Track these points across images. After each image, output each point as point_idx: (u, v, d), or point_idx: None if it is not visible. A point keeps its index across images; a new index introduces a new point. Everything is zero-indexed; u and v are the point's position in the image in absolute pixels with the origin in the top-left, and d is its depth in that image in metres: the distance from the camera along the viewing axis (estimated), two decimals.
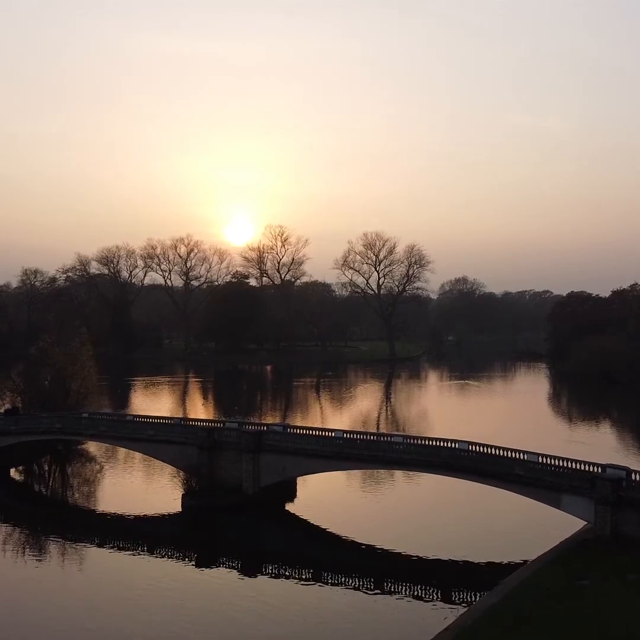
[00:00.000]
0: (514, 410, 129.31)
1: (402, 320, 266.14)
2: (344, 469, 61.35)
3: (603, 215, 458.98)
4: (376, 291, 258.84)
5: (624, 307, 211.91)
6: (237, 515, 60.06)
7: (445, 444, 57.50)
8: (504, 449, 55.13)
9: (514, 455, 54.40)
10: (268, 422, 69.87)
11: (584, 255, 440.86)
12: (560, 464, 51.91)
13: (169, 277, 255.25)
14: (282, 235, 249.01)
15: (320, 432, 62.70)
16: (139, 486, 71.57)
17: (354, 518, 60.89)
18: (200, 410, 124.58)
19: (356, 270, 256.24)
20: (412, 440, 58.89)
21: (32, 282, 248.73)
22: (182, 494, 62.86)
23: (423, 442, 58.51)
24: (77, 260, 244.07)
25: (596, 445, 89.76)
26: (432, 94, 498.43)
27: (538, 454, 53.63)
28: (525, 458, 53.92)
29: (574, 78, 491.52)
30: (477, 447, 56.27)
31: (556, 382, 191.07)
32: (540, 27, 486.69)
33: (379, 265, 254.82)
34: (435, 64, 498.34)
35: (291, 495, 65.49)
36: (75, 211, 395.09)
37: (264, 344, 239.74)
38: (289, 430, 64.44)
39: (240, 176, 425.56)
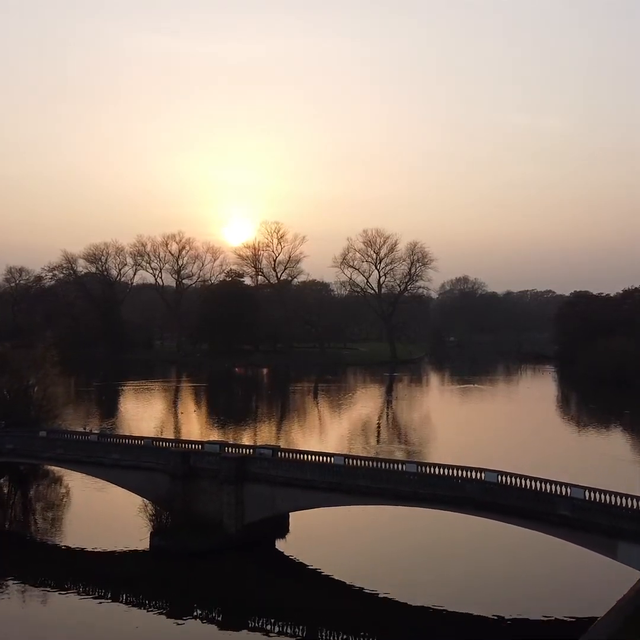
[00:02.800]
0: (530, 420, 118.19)
1: (403, 321, 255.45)
2: (345, 504, 50.65)
3: (604, 215, 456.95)
4: (376, 290, 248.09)
5: (635, 307, 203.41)
6: (216, 558, 49.68)
7: (470, 475, 47.00)
8: (542, 480, 44.73)
9: (556, 490, 43.93)
10: (254, 445, 58.79)
11: (585, 255, 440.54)
12: (618, 502, 41.47)
13: (159, 275, 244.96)
14: (278, 232, 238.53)
15: (317, 458, 52.00)
16: (108, 515, 60.85)
17: (359, 560, 50.64)
18: (186, 421, 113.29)
19: (356, 269, 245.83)
20: (428, 470, 48.24)
21: (18, 281, 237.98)
22: (151, 532, 52.16)
23: (442, 471, 47.91)
24: (63, 258, 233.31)
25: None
26: (432, 93, 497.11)
27: (586, 488, 43.19)
28: (571, 494, 43.44)
29: (575, 77, 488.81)
30: (509, 479, 45.82)
31: (567, 385, 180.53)
32: (540, 27, 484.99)
33: (380, 263, 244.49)
34: (435, 64, 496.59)
35: (282, 530, 54.97)
36: (71, 210, 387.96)
37: (259, 346, 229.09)
38: (279, 454, 53.73)
39: (239, 176, 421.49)
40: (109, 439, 60.01)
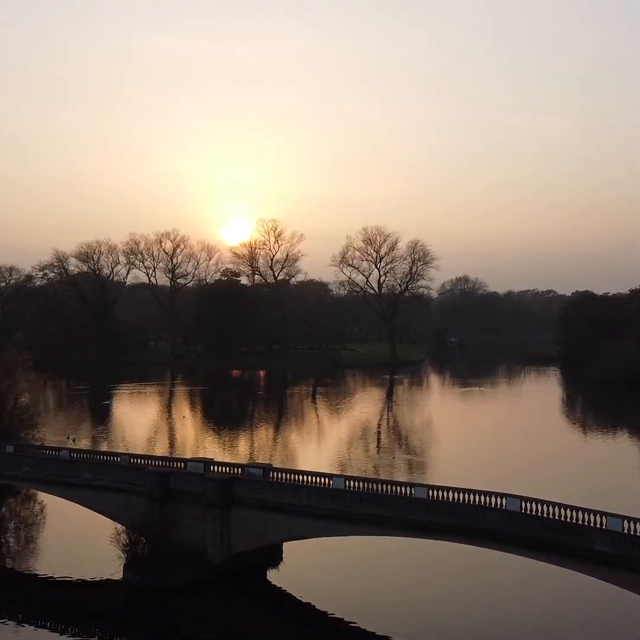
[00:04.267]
0: (544, 429, 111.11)
1: (404, 321, 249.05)
2: (345, 534, 44.40)
3: (605, 215, 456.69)
4: (376, 290, 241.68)
5: None
6: (199, 592, 43.64)
7: (490, 500, 40.90)
8: (571, 508, 38.61)
9: (589, 520, 37.81)
10: (243, 463, 52.34)
11: (586, 255, 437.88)
12: None
13: (153, 274, 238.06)
14: (276, 230, 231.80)
15: (314, 479, 45.75)
16: (85, 538, 54.21)
17: (361, 595, 44.55)
18: (176, 430, 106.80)
19: (355, 268, 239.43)
20: (440, 494, 42.04)
21: (8, 281, 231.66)
22: (125, 564, 45.96)
23: (456, 496, 41.77)
24: (54, 256, 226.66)
25: None
26: (432, 93, 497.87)
27: (624, 518, 37.09)
28: (607, 525, 37.32)
29: (575, 78, 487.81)
30: (534, 506, 39.71)
31: (575, 389, 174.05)
32: (540, 27, 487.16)
33: (380, 262, 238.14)
34: (435, 64, 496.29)
35: (275, 558, 48.84)
36: (70, 211, 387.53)
37: (256, 347, 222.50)
38: (271, 474, 47.50)
39: (238, 176, 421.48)
40: (82, 455, 53.69)
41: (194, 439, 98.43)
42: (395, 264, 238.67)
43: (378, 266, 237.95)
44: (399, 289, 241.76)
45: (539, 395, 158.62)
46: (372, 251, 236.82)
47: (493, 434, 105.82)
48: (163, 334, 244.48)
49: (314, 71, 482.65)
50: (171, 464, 50.87)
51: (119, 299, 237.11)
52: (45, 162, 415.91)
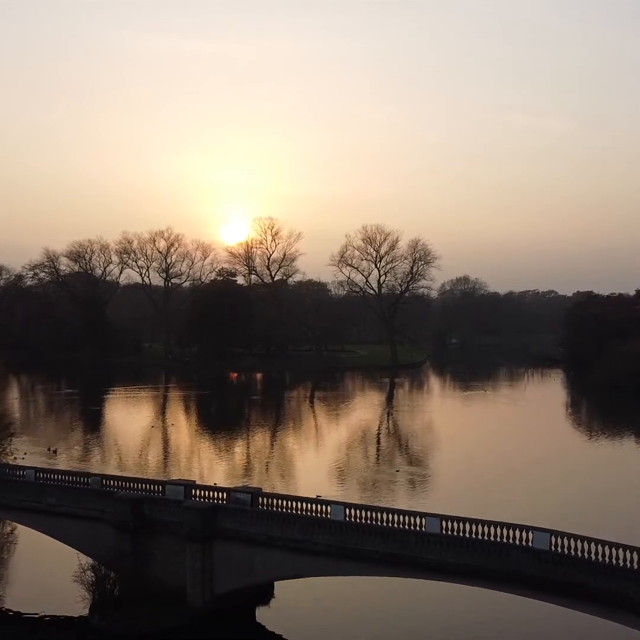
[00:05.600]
0: (565, 440, 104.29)
1: (405, 322, 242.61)
2: (345, 573, 38.31)
3: (606, 215, 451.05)
4: (376, 290, 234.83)
5: None
6: (178, 637, 37.66)
7: (514, 535, 34.90)
8: (612, 545, 32.69)
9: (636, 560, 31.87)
10: (229, 487, 45.55)
11: (587, 255, 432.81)
12: None
13: (146, 274, 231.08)
14: (273, 228, 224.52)
15: (309, 506, 39.62)
16: (53, 568, 48.02)
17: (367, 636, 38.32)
18: (162, 442, 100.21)
19: (354, 267, 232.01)
20: (457, 526, 35.95)
21: None
22: (91, 605, 39.84)
23: (474, 528, 35.76)
24: (45, 256, 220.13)
25: None
26: (432, 93, 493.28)
27: None
28: None
29: (575, 77, 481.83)
30: (567, 543, 33.71)
31: (583, 393, 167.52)
32: (540, 27, 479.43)
33: (380, 261, 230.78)
34: (434, 64, 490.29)
35: (265, 596, 42.77)
36: (67, 210, 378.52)
37: (253, 349, 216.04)
38: (260, 500, 41.34)
39: (236, 176, 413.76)
40: (49, 476, 47.40)
41: (183, 451, 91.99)
42: (396, 263, 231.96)
43: (378, 266, 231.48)
44: (400, 289, 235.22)
45: (547, 400, 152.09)
46: (371, 250, 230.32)
47: (503, 443, 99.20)
48: (158, 335, 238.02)
49: (313, 71, 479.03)
50: (148, 486, 44.63)
51: (111, 300, 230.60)
52: (41, 161, 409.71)
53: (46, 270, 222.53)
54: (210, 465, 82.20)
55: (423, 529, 36.74)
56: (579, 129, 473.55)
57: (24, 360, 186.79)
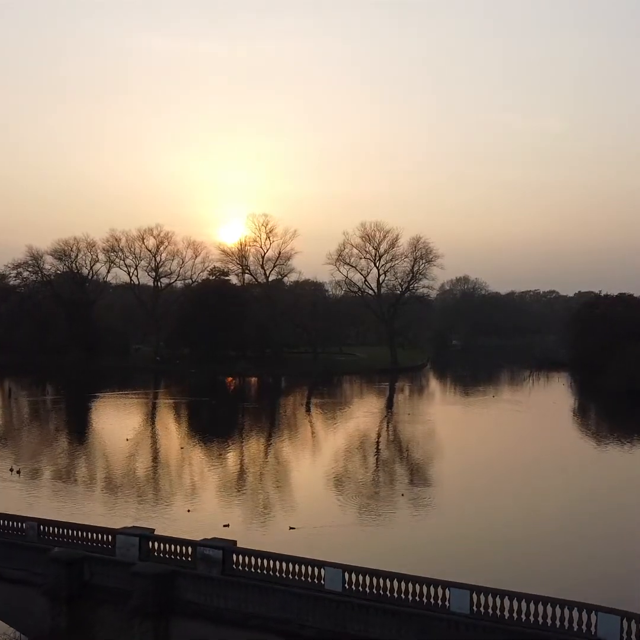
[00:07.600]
0: (580, 452, 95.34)
1: (405, 324, 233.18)
2: None
3: (606, 215, 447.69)
4: (375, 290, 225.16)
5: None
6: None
7: (570, 616, 25.82)
8: None
9: None
10: (196, 541, 35.34)
11: (588, 255, 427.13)
12: None
13: (135, 273, 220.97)
14: (267, 225, 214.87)
15: (297, 568, 30.39)
16: None
17: None
18: (142, 460, 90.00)
19: (353, 266, 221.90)
20: (493, 603, 26.79)
21: None
22: None
23: (517, 605, 26.61)
24: (28, 254, 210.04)
25: None
26: (430, 93, 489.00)
27: None
28: None
29: (576, 78, 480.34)
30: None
31: (595, 398, 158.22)
32: (537, 28, 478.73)
33: (379, 260, 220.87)
34: (432, 64, 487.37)
35: None
36: (67, 210, 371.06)
37: (247, 351, 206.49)
38: (235, 558, 32.00)
39: (234, 176, 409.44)
40: None
41: (160, 475, 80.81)
42: (396, 262, 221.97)
43: (377, 265, 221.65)
44: (400, 289, 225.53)
45: (559, 407, 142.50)
46: (371, 248, 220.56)
47: (523, 460, 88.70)
48: (147, 337, 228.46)
49: (311, 71, 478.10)
50: (94, 536, 35.30)
51: (99, 300, 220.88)
52: (40, 160, 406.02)
53: (30, 269, 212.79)
54: (189, 494, 71.03)
55: (447, 605, 27.58)
56: (579, 129, 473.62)
57: (6, 363, 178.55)
